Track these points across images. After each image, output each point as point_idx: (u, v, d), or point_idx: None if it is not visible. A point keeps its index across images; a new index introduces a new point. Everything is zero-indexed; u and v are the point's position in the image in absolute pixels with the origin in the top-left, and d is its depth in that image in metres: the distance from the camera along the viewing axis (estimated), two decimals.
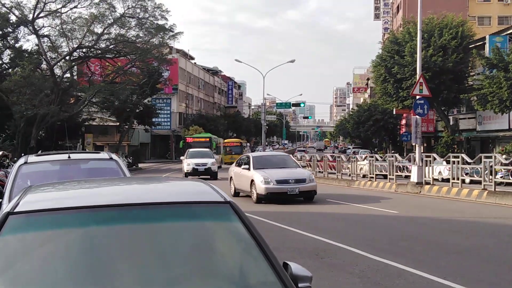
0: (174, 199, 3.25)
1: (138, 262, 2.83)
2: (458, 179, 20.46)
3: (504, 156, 23.03)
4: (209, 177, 31.83)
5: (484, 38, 41.12)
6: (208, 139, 52.77)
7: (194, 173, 32.22)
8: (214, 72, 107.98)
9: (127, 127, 56.72)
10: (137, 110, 55.62)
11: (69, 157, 7.80)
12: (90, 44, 43.50)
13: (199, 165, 32.91)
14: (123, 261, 2.82)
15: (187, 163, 33.39)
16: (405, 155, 35.52)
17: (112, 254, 2.85)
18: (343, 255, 9.21)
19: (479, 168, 19.88)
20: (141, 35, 44.84)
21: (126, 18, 43.32)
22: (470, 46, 38.18)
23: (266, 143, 70.36)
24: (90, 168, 7.84)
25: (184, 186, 3.86)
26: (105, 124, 56.74)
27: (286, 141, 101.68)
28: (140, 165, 55.46)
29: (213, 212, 3.20)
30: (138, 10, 43.55)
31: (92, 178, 6.43)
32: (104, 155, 8.32)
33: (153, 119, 61.11)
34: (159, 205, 3.13)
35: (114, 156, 8.18)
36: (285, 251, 9.45)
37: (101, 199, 3.21)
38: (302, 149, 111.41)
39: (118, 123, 56.83)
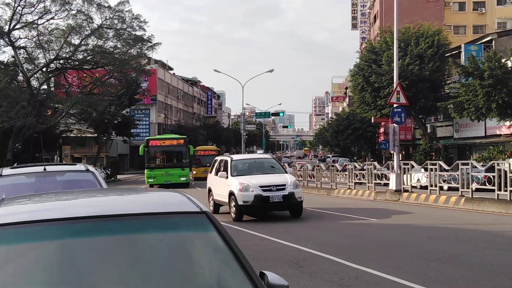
0: (150, 210, 3.23)
1: (115, 274, 2.81)
2: (436, 186, 20.65)
3: (481, 163, 23.30)
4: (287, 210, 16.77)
5: (459, 47, 41.68)
6: (182, 142, 37.31)
7: (261, 206, 15.76)
8: (193, 82, 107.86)
9: (105, 138, 56.29)
10: (115, 121, 55.24)
11: (44, 169, 7.72)
12: (67, 56, 43.18)
13: (271, 189, 15.58)
14: (100, 273, 2.80)
15: (236, 185, 15.87)
16: (383, 163, 35.68)
17: (88, 266, 2.83)
18: (322, 264, 9.22)
19: (456, 175, 20.09)
20: (119, 46, 44.64)
21: (104, 29, 43.11)
22: (446, 55, 38.65)
23: (246, 153, 70.32)
24: (66, 180, 7.76)
25: (160, 197, 3.86)
26: (83, 135, 56.27)
27: (261, 151, 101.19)
28: (119, 176, 55.02)
29: (189, 222, 3.19)
30: (115, 21, 43.39)
31: (68, 190, 6.37)
32: (80, 166, 8.24)
33: (132, 130, 60.72)
34: (136, 216, 3.12)
35: (90, 167, 8.11)
36: (264, 261, 9.43)
37: (77, 210, 3.18)
38: (287, 156, 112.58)
39: (96, 135, 56.35)
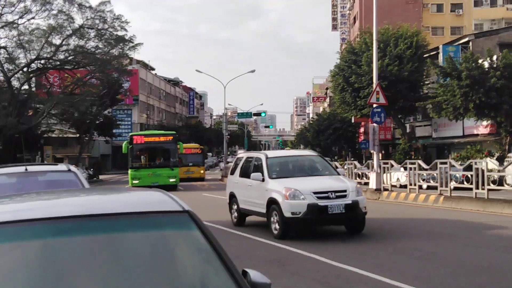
0: (133, 209, 3.21)
1: (97, 273, 2.80)
2: (415, 185, 20.95)
3: (459, 162, 23.68)
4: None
5: (437, 48, 42.21)
6: (170, 138, 33.63)
7: (317, 218, 12.06)
8: (175, 82, 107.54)
9: (87, 138, 55.90)
10: (97, 122, 54.88)
11: (26, 169, 7.64)
12: (48, 56, 42.82)
13: (329, 196, 11.91)
14: (82, 273, 2.79)
15: (280, 191, 12.20)
16: (364, 162, 36.01)
17: (70, 266, 2.81)
18: (305, 262, 9.36)
19: (435, 174, 20.41)
20: (100, 46, 44.38)
21: (85, 29, 42.83)
22: (425, 56, 39.04)
23: (228, 153, 70.22)
24: (48, 180, 7.73)
25: (142, 196, 3.81)
26: (65, 136, 55.80)
27: (241, 150, 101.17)
28: (101, 177, 54.66)
29: (172, 221, 3.18)
30: (97, 21, 43.13)
31: (50, 190, 6.34)
32: (62, 167, 8.22)
33: (114, 130, 60.36)
34: (118, 215, 3.09)
35: (72, 167, 8.11)
36: (247, 259, 9.54)
37: (59, 210, 3.13)
38: None
39: (78, 135, 55.92)
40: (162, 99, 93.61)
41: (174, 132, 36.33)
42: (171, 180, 31.93)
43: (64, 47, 43.00)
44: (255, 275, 3.13)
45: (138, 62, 77.12)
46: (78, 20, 43.02)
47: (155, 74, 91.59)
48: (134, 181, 31.23)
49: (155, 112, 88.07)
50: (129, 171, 31.78)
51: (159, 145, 33.72)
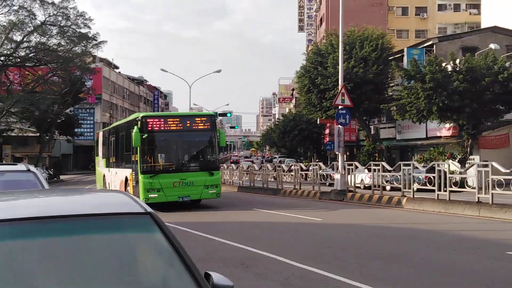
0: (94, 211, 3.18)
1: (57, 276, 2.76)
2: (379, 186, 21.12)
3: (422, 164, 23.97)
4: None
5: (402, 51, 42.76)
6: (206, 121, 20.40)
7: None
8: (140, 81, 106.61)
9: (48, 138, 54.92)
10: (59, 120, 54.05)
11: None
12: (8, 52, 41.92)
13: None
14: (42, 276, 2.75)
15: None
16: (328, 163, 36.27)
17: (30, 269, 2.76)
18: (268, 264, 9.29)
19: (398, 176, 20.61)
20: (63, 43, 43.70)
21: (47, 26, 42.09)
22: (390, 58, 39.50)
23: None
24: (6, 181, 7.58)
25: (104, 197, 3.80)
26: (25, 135, 54.80)
27: None
28: (62, 177, 53.81)
29: (134, 223, 3.16)
30: (59, 18, 42.44)
31: (8, 190, 6.20)
32: (21, 166, 8.07)
33: (76, 130, 59.55)
34: (78, 217, 3.06)
35: (31, 167, 7.94)
36: (211, 262, 9.43)
37: (18, 211, 3.09)
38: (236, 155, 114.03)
39: (38, 134, 54.93)
40: (126, 98, 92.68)
41: (212, 112, 22.95)
42: (211, 191, 19.64)
43: (25, 44, 42.22)
44: (217, 277, 3.11)
45: (102, 60, 76.25)
46: (40, 16, 42.33)
47: (119, 72, 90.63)
48: (150, 195, 18.64)
49: (119, 111, 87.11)
50: (141, 178, 18.78)
51: (191, 133, 20.05)
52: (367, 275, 8.25)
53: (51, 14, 41.91)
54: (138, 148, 18.77)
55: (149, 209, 3.23)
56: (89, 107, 72.80)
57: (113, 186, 23.54)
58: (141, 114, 19.65)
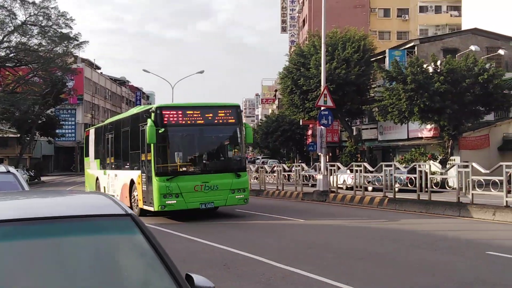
0: (74, 212, 3.16)
1: (38, 278, 2.74)
2: (361, 187, 21.23)
3: (403, 165, 24.14)
4: None
5: (384, 52, 43.06)
6: (230, 113, 17.18)
7: None
8: (122, 82, 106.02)
9: (28, 139, 54.39)
10: (40, 121, 53.57)
11: None
12: None
13: None
14: (23, 279, 2.72)
15: None
16: (311, 164, 36.30)
17: (10, 272, 2.74)
18: (250, 265, 9.28)
19: (380, 176, 20.73)
20: (44, 43, 43.33)
21: (28, 25, 41.73)
22: (372, 60, 39.72)
23: None
24: None
25: (85, 199, 3.78)
26: (5, 136, 54.19)
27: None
28: (42, 178, 53.33)
29: (114, 225, 3.15)
30: (40, 18, 42.09)
31: None
32: (1, 168, 7.98)
33: (57, 131, 59.07)
34: (59, 219, 3.04)
35: (12, 169, 7.86)
36: (192, 263, 9.41)
37: None
38: None
39: (19, 135, 54.40)
40: (108, 98, 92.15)
41: (236, 103, 18.27)
42: (238, 196, 16.64)
43: (5, 44, 41.78)
44: (198, 279, 3.10)
45: (83, 60, 75.75)
46: (21, 16, 41.97)
47: (101, 73, 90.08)
48: (167, 201, 15.64)
49: (100, 112, 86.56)
50: (156, 181, 15.70)
51: (214, 127, 17.10)
52: (348, 276, 8.30)
53: (32, 14, 41.57)
54: (152, 145, 15.66)
55: (129, 211, 3.22)
56: (70, 108, 72.29)
57: (112, 191, 20.22)
58: (155, 105, 16.51)
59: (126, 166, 19.07)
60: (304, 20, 71.60)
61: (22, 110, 45.33)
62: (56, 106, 57.68)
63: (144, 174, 16.57)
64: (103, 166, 22.25)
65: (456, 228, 13.81)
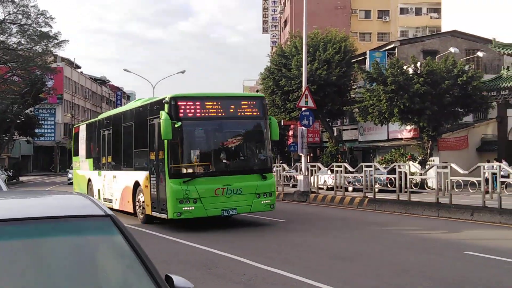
0: (53, 213, 3.14)
1: (17, 280, 2.72)
2: (341, 187, 21.35)
3: (383, 166, 24.32)
4: None
5: (365, 53, 43.35)
6: (255, 106, 15.00)
7: None
8: (102, 81, 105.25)
9: (7, 138, 53.74)
10: (18, 121, 52.92)
11: None
12: None
13: None
14: (0, 280, 2.70)
15: None
16: (292, 165, 36.38)
17: None
18: (231, 265, 9.28)
19: (360, 177, 20.86)
20: (23, 42, 42.89)
21: (7, 24, 41.24)
22: (352, 61, 39.93)
23: None
24: None
25: (64, 200, 3.74)
26: None
27: None
28: (21, 178, 52.76)
29: (94, 226, 3.14)
30: (20, 16, 41.64)
31: None
32: None
33: (36, 130, 58.40)
34: (38, 220, 3.01)
35: None
36: (173, 264, 9.39)
37: None
38: None
39: None
40: (88, 98, 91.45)
41: (261, 94, 18.09)
42: (265, 202, 14.46)
43: None
44: (178, 280, 3.10)
45: (63, 59, 75.10)
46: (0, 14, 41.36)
47: (81, 72, 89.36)
48: (184, 207, 13.49)
49: (80, 111, 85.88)
50: (170, 184, 13.59)
51: (236, 121, 15.01)
52: (329, 276, 8.34)
53: (11, 12, 41.12)
54: (166, 142, 13.56)
55: (109, 212, 3.21)
56: (50, 108, 71.62)
57: (108, 195, 18.38)
58: (169, 95, 13.92)
59: (128, 167, 16.96)
60: (285, 21, 71.74)
61: (0, 109, 44.79)
62: (35, 106, 57.06)
63: (154, 176, 14.44)
64: (97, 166, 20.09)
65: (435, 228, 13.95)
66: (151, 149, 14.77)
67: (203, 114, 14.07)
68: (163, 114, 13.30)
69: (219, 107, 14.34)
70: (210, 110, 14.19)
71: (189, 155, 13.94)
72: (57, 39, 43.94)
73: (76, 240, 3.05)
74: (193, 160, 13.90)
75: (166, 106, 13.62)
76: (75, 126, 26.19)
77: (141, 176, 15.40)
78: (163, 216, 13.85)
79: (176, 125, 13.35)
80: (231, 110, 14.48)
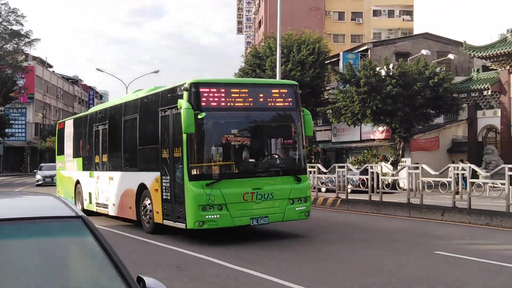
0: (23, 214, 3.12)
1: None
2: (314, 188, 21.45)
3: (356, 166, 24.53)
4: None
5: (338, 55, 43.63)
6: (287, 94, 12.88)
7: None
8: (74, 81, 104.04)
9: None
10: None
11: None
12: None
13: None
14: None
15: None
16: None
17: None
18: (204, 266, 9.28)
19: (333, 178, 21.01)
20: None
21: None
22: (326, 62, 40.16)
23: None
24: None
25: (34, 201, 3.72)
26: None
27: None
28: None
29: (64, 227, 3.12)
30: None
31: None
32: None
33: (6, 130, 57.46)
34: (7, 221, 2.99)
35: None
36: (145, 265, 9.35)
37: None
38: None
39: None
40: (60, 98, 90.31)
41: (294, 82, 14.12)
42: (299, 208, 12.50)
43: None
44: (150, 281, 3.09)
45: (35, 58, 74.06)
46: None
47: (53, 71, 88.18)
48: (208, 215, 11.38)
49: (52, 111, 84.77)
50: (191, 188, 11.40)
51: (266, 113, 12.85)
52: (300, 276, 8.39)
53: None
54: (185, 137, 11.35)
55: (80, 213, 3.20)
56: (20, 107, 70.52)
57: (103, 199, 16.25)
58: (189, 80, 11.75)
59: (131, 167, 14.82)
60: (260, 22, 71.85)
61: None
62: (6, 105, 56.20)
63: (167, 177, 12.30)
64: (89, 166, 17.82)
65: (406, 229, 14.11)
66: (164, 146, 12.58)
67: (228, 104, 11.94)
68: (184, 103, 11.20)
69: (247, 95, 12.26)
70: (236, 99, 12.09)
71: (213, 153, 11.74)
72: (29, 38, 43.41)
73: (46, 241, 3.03)
74: (215, 158, 11.70)
75: (185, 94, 11.54)
76: (59, 121, 23.69)
77: (148, 177, 13.26)
78: (180, 225, 11.69)
79: (199, 116, 11.22)
80: (261, 100, 12.41)
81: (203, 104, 11.46)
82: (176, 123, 11.73)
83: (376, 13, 68.85)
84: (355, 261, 9.70)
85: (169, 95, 12.45)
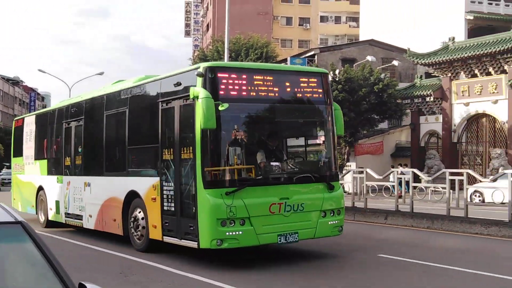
0: None
1: None
2: None
3: None
4: None
5: (286, 60, 43.98)
6: (316, 86, 10.58)
7: None
8: (15, 82, 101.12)
9: None
10: None
11: None
12: None
13: None
14: None
15: None
16: None
17: None
18: (148, 272, 9.13)
19: None
20: None
21: None
22: None
23: None
24: None
25: None
26: None
27: None
28: None
29: (3, 233, 3.04)
30: None
31: None
32: None
33: None
34: None
35: None
36: (88, 271, 9.13)
37: None
38: None
39: None
40: None
41: (323, 70, 11.77)
42: (332, 222, 10.21)
43: None
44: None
45: None
46: None
47: None
48: (228, 231, 8.93)
49: None
50: (207, 197, 8.97)
51: (293, 105, 10.56)
52: (246, 280, 8.37)
53: None
54: (199, 134, 9.13)
55: (20, 218, 3.12)
56: None
57: (76, 209, 13.85)
58: (205, 64, 9.66)
59: (115, 171, 12.38)
60: (208, 25, 71.73)
61: None
62: None
63: (169, 183, 10.04)
64: (56, 170, 15.29)
65: (350, 232, 14.27)
66: (165, 146, 10.25)
67: (252, 94, 9.67)
68: (201, 91, 8.96)
69: (271, 83, 9.92)
70: (260, 88, 9.74)
71: (233, 154, 9.46)
72: None
73: None
74: (237, 161, 9.53)
75: (199, 80, 9.23)
76: (16, 118, 20.55)
77: (142, 184, 10.97)
78: (191, 244, 9.36)
79: (220, 108, 8.97)
80: (287, 89, 10.22)
81: (222, 93, 9.21)
82: (185, 116, 9.66)
83: (323, 19, 69.88)
84: (298, 266, 9.70)
85: (175, 83, 10.19)
